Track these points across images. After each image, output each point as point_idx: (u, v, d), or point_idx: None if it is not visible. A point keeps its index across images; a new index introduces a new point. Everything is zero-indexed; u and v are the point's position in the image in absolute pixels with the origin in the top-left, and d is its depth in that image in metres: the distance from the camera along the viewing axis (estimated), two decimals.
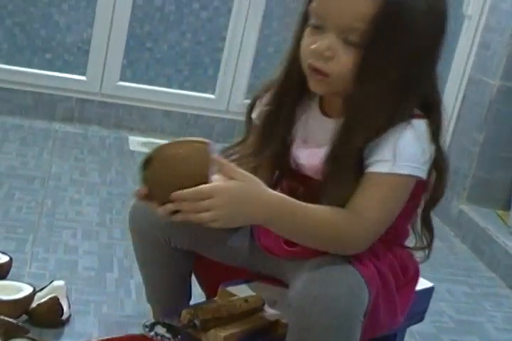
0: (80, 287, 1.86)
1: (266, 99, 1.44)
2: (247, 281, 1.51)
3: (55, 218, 2.25)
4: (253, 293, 1.45)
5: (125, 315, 1.78)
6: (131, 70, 3.21)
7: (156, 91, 3.22)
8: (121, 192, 2.53)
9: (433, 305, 2.09)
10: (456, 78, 2.83)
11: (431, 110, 1.35)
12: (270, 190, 1.26)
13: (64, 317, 1.68)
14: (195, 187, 1.17)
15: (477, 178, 2.69)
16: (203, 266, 1.55)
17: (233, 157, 1.43)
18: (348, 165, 1.30)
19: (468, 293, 2.27)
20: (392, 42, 1.25)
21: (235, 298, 1.43)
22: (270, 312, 1.42)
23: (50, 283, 1.76)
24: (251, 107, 1.46)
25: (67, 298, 1.75)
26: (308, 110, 1.41)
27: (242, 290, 1.47)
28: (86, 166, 2.76)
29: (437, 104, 1.36)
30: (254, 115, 1.45)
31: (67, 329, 1.69)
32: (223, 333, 1.31)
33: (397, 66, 1.27)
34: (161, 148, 1.18)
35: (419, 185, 1.34)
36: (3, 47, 3.12)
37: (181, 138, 1.21)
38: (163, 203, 1.18)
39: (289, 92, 1.39)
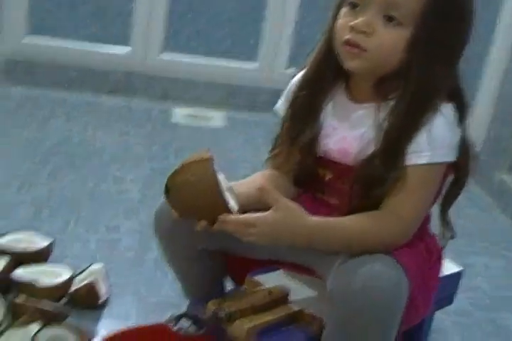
0: (119, 268, 1.92)
1: (296, 86, 1.46)
2: (273, 269, 1.55)
3: (98, 197, 2.32)
4: (279, 283, 1.49)
5: (163, 295, 1.84)
6: (175, 41, 3.24)
7: (199, 61, 3.25)
8: (164, 167, 2.57)
9: (468, 281, 2.13)
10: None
11: (454, 95, 1.36)
12: (309, 217, 1.31)
13: (101, 300, 1.75)
14: (242, 217, 1.28)
15: None
16: (231, 256, 1.59)
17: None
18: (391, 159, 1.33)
19: (506, 267, 2.27)
20: (444, 23, 1.28)
21: (260, 288, 1.47)
22: (294, 302, 1.45)
23: (89, 265, 1.83)
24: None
25: (106, 280, 1.82)
26: (335, 97, 1.43)
27: (268, 279, 1.50)
28: (130, 140, 2.82)
29: (460, 89, 1.37)
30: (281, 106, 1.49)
31: (106, 311, 1.75)
32: (247, 325, 1.35)
33: (446, 47, 1.30)
34: (173, 177, 1.29)
35: (447, 167, 1.37)
36: (49, 21, 3.17)
37: (187, 159, 1.29)
38: (199, 219, 1.29)
39: (323, 79, 1.41)
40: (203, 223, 1.30)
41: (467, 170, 1.42)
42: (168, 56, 3.24)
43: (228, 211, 1.29)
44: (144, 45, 3.19)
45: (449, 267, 1.68)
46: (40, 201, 2.23)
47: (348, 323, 1.29)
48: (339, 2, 1.35)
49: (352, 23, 1.29)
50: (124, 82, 3.24)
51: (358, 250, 1.32)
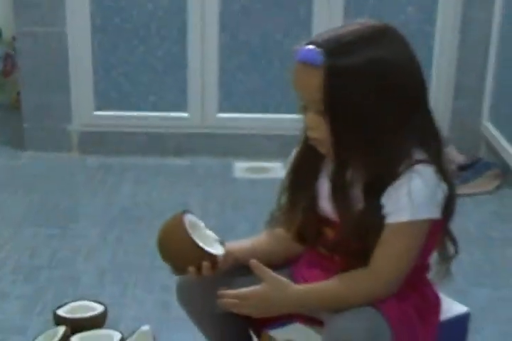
0: (170, 326, 2.13)
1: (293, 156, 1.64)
2: (287, 323, 1.72)
3: (156, 258, 2.53)
4: (292, 336, 1.66)
5: None
6: (229, 102, 3.49)
7: (255, 117, 3.48)
8: (221, 224, 2.76)
9: (503, 313, 2.23)
10: None
11: (430, 143, 1.48)
12: (295, 287, 1.48)
13: None
14: (237, 291, 1.48)
15: None
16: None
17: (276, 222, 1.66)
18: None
19: None
20: (345, 101, 1.40)
21: None
22: None
23: (139, 328, 2.05)
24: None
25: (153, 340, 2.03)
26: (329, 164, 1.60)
27: (281, 334, 1.67)
28: (190, 200, 3.05)
29: (435, 135, 1.49)
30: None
31: None
32: None
33: (361, 120, 1.41)
34: (157, 238, 1.54)
35: (435, 225, 1.49)
36: (114, 95, 3.48)
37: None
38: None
39: (306, 159, 1.58)
40: (192, 269, 1.50)
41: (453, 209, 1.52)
42: (223, 115, 3.49)
43: (210, 255, 1.50)
44: (200, 108, 3.45)
45: (455, 308, 1.76)
46: (104, 266, 2.48)
47: None
48: None
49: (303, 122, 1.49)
50: (186, 144, 3.50)
51: (345, 308, 1.45)
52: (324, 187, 1.56)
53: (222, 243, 1.56)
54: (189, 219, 1.53)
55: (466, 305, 2.24)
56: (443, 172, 1.48)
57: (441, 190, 1.47)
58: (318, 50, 1.40)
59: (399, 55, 1.44)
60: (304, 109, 1.48)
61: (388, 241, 1.46)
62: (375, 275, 1.47)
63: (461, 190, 3.15)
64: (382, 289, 1.47)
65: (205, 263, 1.51)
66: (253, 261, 1.49)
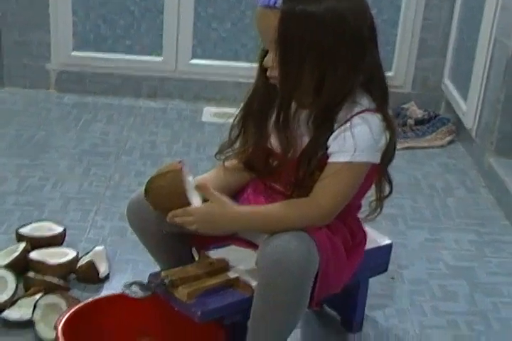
0: (124, 249, 2.31)
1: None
2: (224, 245, 1.90)
3: (118, 190, 2.72)
4: (225, 256, 1.83)
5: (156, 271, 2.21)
6: (202, 48, 3.63)
7: (226, 65, 3.63)
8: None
9: (433, 253, 2.43)
10: (484, 40, 3.04)
11: (375, 86, 1.63)
12: (234, 207, 1.64)
13: (102, 275, 2.14)
14: (184, 209, 1.62)
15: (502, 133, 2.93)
16: (195, 238, 1.87)
17: (227, 154, 1.80)
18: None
19: (474, 240, 2.53)
20: (295, 41, 1.53)
21: (207, 260, 1.82)
22: (234, 271, 1.79)
23: (93, 248, 2.23)
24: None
25: (107, 259, 2.20)
26: None
27: (217, 253, 1.84)
28: (157, 139, 3.22)
29: (380, 79, 1.63)
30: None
31: (106, 284, 2.13)
32: (187, 289, 1.70)
33: (304, 55, 1.54)
34: (150, 182, 1.66)
35: (373, 168, 1.65)
36: (90, 37, 3.61)
37: (162, 168, 1.67)
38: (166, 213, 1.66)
39: (260, 97, 1.71)
40: (171, 215, 1.64)
41: (391, 155, 1.68)
42: (196, 62, 3.64)
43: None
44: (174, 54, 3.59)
45: (381, 240, 1.97)
46: (69, 195, 2.65)
47: (269, 287, 1.58)
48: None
49: (264, 62, 1.61)
50: (160, 87, 3.65)
51: (283, 230, 1.59)
52: None
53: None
54: (184, 169, 1.66)
55: (403, 244, 2.45)
56: (387, 121, 1.63)
57: (385, 138, 1.62)
58: None
59: (357, 7, 1.57)
60: (265, 51, 1.62)
61: (328, 178, 1.60)
62: (316, 204, 1.61)
63: (417, 143, 3.35)
64: (319, 217, 1.62)
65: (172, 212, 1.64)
66: (200, 183, 1.65)
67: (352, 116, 1.59)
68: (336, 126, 1.61)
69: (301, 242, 1.57)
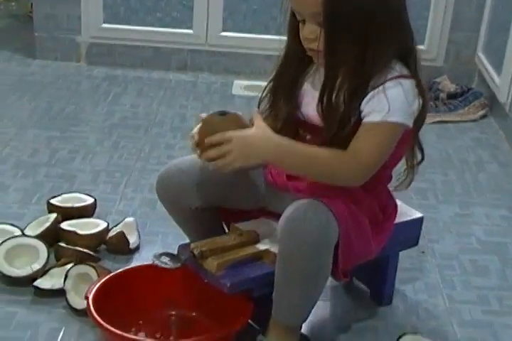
0: (153, 221, 2.32)
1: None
2: (254, 218, 1.89)
3: (148, 162, 2.72)
4: (255, 228, 1.83)
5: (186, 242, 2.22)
6: (232, 21, 3.61)
7: (256, 37, 3.60)
8: None
9: (464, 228, 2.42)
10: None
11: (408, 55, 1.62)
12: (278, 136, 1.60)
13: (132, 246, 2.15)
14: (221, 133, 1.56)
15: None
16: (226, 212, 1.89)
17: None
18: (343, 117, 1.61)
19: (506, 216, 2.50)
20: (342, 14, 1.53)
21: (237, 232, 1.82)
22: (263, 243, 1.79)
23: (124, 219, 2.24)
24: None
25: (137, 231, 2.21)
26: (318, 73, 1.70)
27: (247, 226, 1.85)
28: (187, 113, 3.21)
29: (414, 52, 1.63)
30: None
31: (136, 255, 2.15)
32: (216, 261, 1.71)
33: (355, 32, 1.54)
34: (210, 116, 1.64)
35: (405, 135, 1.64)
36: (121, 10, 3.61)
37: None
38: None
39: (291, 67, 1.71)
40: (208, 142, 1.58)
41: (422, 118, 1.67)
42: (227, 34, 3.62)
43: None
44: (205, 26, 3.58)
45: (412, 213, 1.95)
46: (99, 167, 2.66)
47: (288, 259, 1.59)
48: (291, 17, 1.65)
49: (301, 34, 1.60)
50: (190, 60, 3.64)
51: (312, 177, 1.61)
52: (309, 94, 1.70)
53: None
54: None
55: (433, 219, 2.44)
56: (420, 87, 1.62)
57: (418, 103, 1.62)
58: None
59: None
60: (302, 24, 1.60)
61: (361, 136, 1.58)
62: (356, 161, 1.58)
63: (449, 117, 3.31)
64: (356, 175, 1.60)
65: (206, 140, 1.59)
66: (255, 113, 1.63)
67: (385, 81, 1.58)
68: (369, 89, 1.60)
69: (316, 212, 1.58)
